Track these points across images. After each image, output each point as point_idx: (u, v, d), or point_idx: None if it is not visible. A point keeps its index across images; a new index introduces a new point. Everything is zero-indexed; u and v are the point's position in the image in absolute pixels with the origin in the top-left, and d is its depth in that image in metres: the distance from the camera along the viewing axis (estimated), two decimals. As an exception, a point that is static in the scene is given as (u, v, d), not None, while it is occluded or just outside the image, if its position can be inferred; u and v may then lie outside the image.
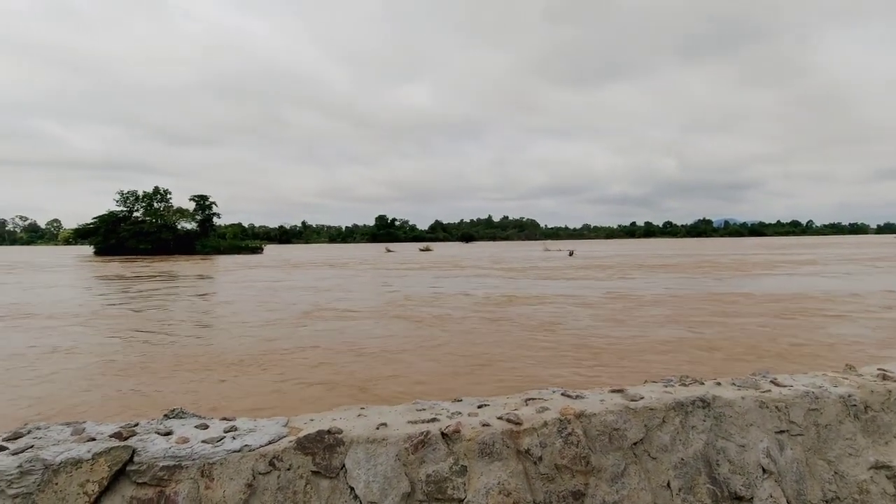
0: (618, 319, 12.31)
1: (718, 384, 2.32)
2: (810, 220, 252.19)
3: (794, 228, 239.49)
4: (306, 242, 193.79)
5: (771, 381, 2.36)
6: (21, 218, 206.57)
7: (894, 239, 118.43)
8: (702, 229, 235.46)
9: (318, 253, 77.45)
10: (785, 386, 2.30)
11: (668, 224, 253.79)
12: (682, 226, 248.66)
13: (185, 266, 41.09)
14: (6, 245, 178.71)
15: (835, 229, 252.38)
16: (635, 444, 1.99)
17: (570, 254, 53.85)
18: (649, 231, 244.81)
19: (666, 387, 2.27)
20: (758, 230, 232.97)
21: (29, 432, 1.72)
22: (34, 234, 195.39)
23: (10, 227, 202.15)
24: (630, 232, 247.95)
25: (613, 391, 2.20)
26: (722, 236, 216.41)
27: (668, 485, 1.98)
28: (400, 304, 16.10)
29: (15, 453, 1.57)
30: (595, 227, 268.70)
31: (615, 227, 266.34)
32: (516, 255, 59.29)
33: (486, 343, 9.77)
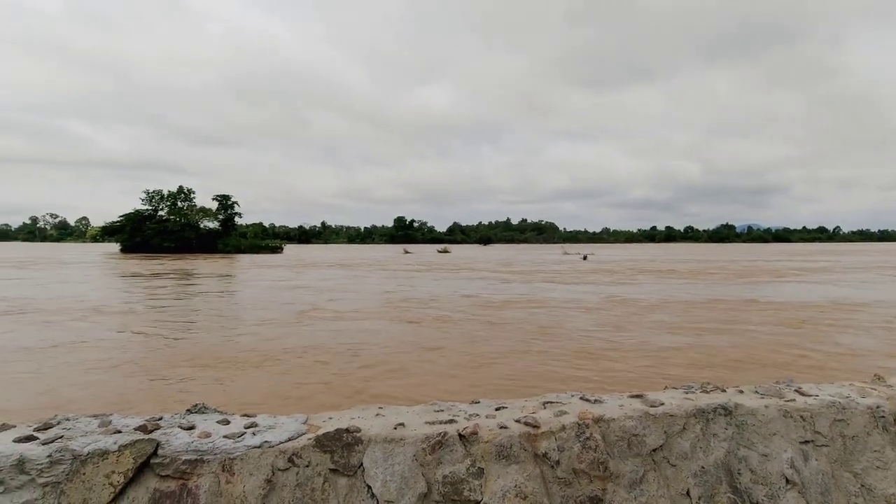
0: (610, 323, 12.19)
1: (741, 392, 2.27)
2: (837, 227, 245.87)
3: (821, 235, 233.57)
4: (325, 243, 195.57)
5: (795, 391, 2.30)
6: (52, 216, 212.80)
7: None
8: (724, 234, 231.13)
9: (336, 254, 78.11)
10: (810, 395, 2.25)
11: (690, 229, 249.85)
12: (704, 231, 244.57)
13: (202, 265, 41.78)
14: (37, 241, 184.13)
15: (863, 236, 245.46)
16: (654, 450, 1.96)
17: (584, 258, 53.33)
18: (670, 236, 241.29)
19: (687, 393, 2.24)
20: (782, 236, 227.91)
21: (58, 423, 1.77)
22: (64, 232, 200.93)
23: (41, 224, 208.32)
24: (650, 236, 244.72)
25: (633, 396, 2.18)
26: (745, 242, 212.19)
27: (688, 493, 1.95)
28: (398, 304, 16.19)
29: (45, 443, 1.62)
30: (615, 231, 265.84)
31: (635, 231, 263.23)
32: (531, 258, 58.99)
33: (480, 345, 9.76)
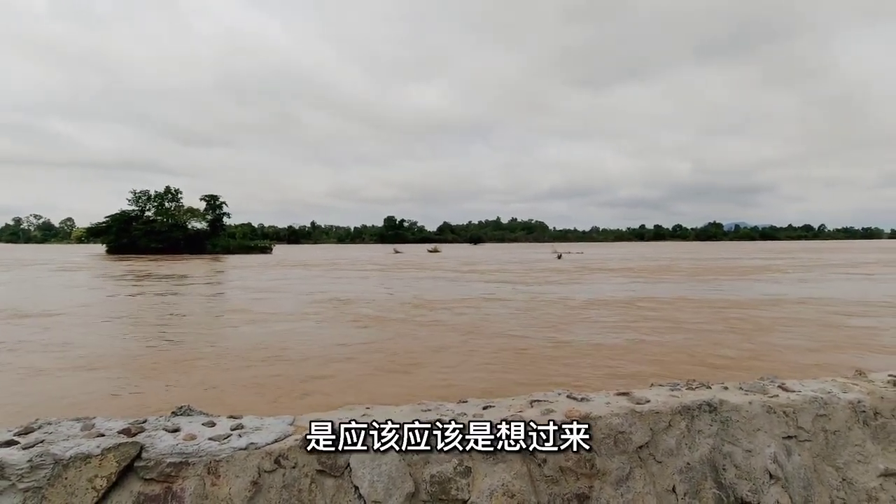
0: (541, 323, 12.29)
1: (725, 388, 2.30)
2: (822, 225, 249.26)
3: (807, 233, 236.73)
4: (315, 243, 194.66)
5: (779, 387, 2.34)
6: (35, 216, 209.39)
7: None
8: (712, 233, 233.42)
9: (323, 253, 77.78)
10: (793, 391, 2.28)
11: (678, 227, 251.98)
12: (692, 229, 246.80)
13: (186, 266, 41.38)
14: (21, 243, 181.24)
15: (847, 234, 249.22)
16: (640, 447, 1.98)
17: (559, 257, 53.41)
18: (659, 234, 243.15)
19: (672, 390, 2.26)
20: (769, 234, 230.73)
21: (39, 427, 1.75)
22: (48, 233, 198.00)
23: (24, 225, 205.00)
24: (639, 235, 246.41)
25: (619, 394, 2.20)
26: (732, 240, 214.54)
27: (674, 489, 1.97)
28: (325, 304, 16.23)
29: (26, 448, 1.60)
30: (604, 230, 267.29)
31: (625, 230, 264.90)
32: (511, 257, 59.21)
33: (408, 344, 9.78)
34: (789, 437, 2.14)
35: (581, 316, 13.42)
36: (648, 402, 2.09)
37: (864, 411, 2.24)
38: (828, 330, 11.12)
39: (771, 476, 2.04)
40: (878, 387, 2.38)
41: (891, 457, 2.21)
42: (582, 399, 2.13)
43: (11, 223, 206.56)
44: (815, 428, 2.17)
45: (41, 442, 1.63)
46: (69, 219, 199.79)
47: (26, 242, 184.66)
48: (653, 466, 1.98)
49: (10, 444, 1.62)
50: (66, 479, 1.56)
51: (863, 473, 2.16)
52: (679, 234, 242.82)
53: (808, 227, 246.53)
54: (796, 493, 2.05)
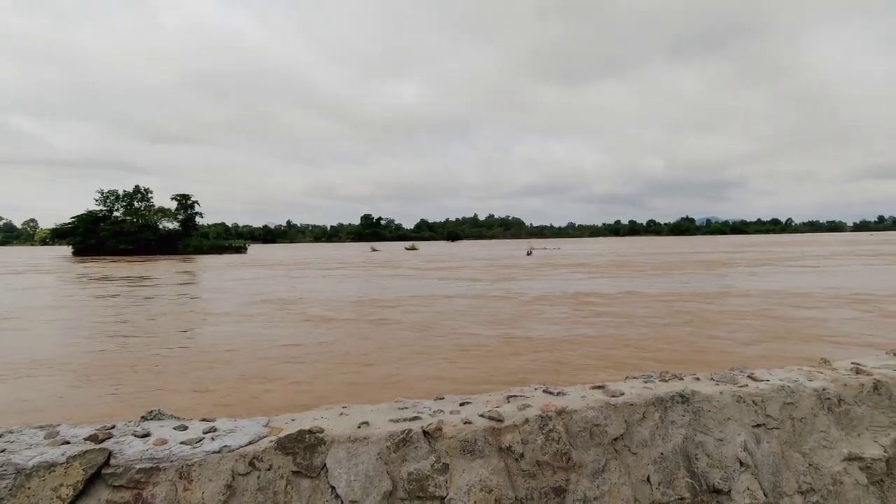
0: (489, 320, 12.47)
1: (697, 379, 2.35)
2: (790, 219, 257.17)
3: (774, 227, 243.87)
4: (291, 242, 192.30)
5: (748, 376, 2.40)
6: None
7: (864, 237, 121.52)
8: (684, 227, 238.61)
9: (297, 252, 76.89)
10: (762, 380, 2.34)
11: (652, 222, 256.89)
12: (666, 224, 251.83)
13: (153, 267, 40.43)
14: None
15: (813, 227, 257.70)
16: (616, 439, 2.01)
17: (529, 253, 53.56)
18: (633, 229, 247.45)
19: (646, 382, 2.30)
20: (739, 228, 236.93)
21: (0, 436, 1.68)
22: (10, 234, 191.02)
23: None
24: (615, 230, 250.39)
25: (594, 387, 2.23)
26: (704, 234, 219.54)
27: (648, 479, 2.00)
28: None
29: (-14, 458, 1.53)
30: (580, 226, 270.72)
31: (600, 225, 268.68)
32: (482, 253, 59.56)
33: (358, 344, 9.84)
34: (758, 426, 2.20)
35: (529, 311, 13.52)
36: (623, 394, 2.12)
37: (828, 398, 2.32)
38: (772, 321, 11.45)
39: (741, 464, 2.09)
40: (841, 374, 2.46)
41: (854, 441, 2.29)
42: (558, 393, 2.15)
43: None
44: (782, 416, 2.24)
45: (2, 451, 1.57)
46: (32, 220, 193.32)
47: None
48: (628, 458, 2.01)
49: (-32, 454, 1.55)
50: (28, 489, 1.51)
51: (828, 458, 2.23)
52: (653, 228, 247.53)
53: (776, 221, 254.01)
54: (765, 479, 2.11)
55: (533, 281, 22.96)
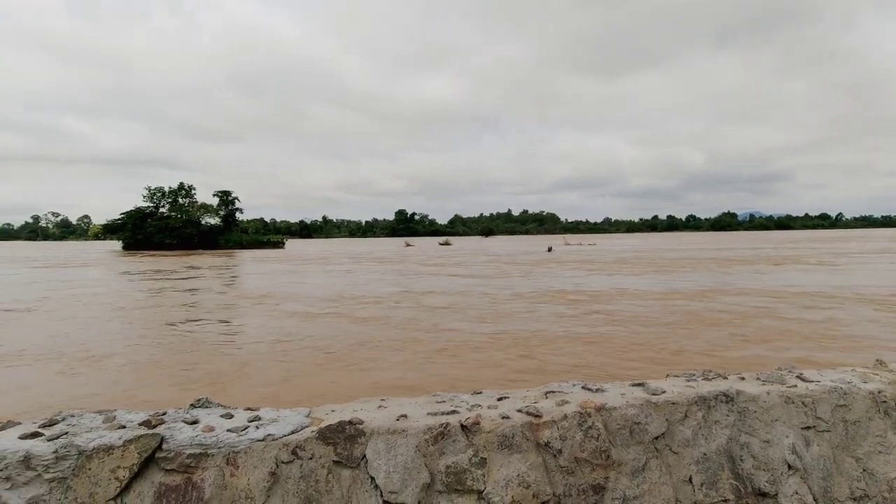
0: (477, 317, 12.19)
1: (742, 379, 2.28)
2: (840, 213, 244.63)
3: (823, 222, 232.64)
4: (327, 237, 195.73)
5: (797, 377, 2.31)
6: (53, 214, 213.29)
7: None
8: (726, 223, 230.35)
9: (331, 247, 77.96)
10: (811, 381, 2.25)
11: (692, 217, 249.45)
12: (706, 219, 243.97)
13: (199, 261, 41.83)
14: (39, 240, 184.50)
15: (866, 222, 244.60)
16: (656, 438, 1.97)
17: (549, 249, 52.94)
18: (672, 225, 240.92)
19: (688, 381, 2.24)
20: (784, 223, 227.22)
21: (63, 419, 1.78)
22: (66, 230, 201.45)
23: (43, 223, 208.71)
24: (652, 226, 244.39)
25: (634, 385, 2.19)
26: (747, 230, 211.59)
27: (690, 479, 1.96)
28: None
29: (50, 439, 1.63)
30: (616, 221, 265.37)
31: (637, 220, 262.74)
32: (505, 249, 58.82)
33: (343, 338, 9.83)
34: (808, 428, 2.11)
35: (507, 309, 13.29)
36: (664, 392, 2.07)
37: (884, 401, 2.21)
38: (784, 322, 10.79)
39: (790, 467, 2.02)
40: (899, 376, 2.34)
41: (912, 447, 2.18)
42: (597, 390, 2.13)
43: (30, 221, 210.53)
44: (834, 418, 2.15)
45: (65, 434, 1.67)
46: (86, 216, 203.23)
47: (44, 240, 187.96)
48: (669, 457, 1.97)
49: (35, 435, 1.65)
50: (89, 469, 1.60)
51: (884, 464, 2.13)
52: (692, 224, 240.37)
53: (824, 216, 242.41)
54: (815, 483, 2.03)
55: (526, 279, 22.46)
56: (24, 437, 1.64)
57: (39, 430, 1.70)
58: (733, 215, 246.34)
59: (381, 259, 40.25)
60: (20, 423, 1.77)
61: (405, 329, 10.61)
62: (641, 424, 1.96)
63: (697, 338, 9.33)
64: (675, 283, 18.94)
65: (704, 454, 1.99)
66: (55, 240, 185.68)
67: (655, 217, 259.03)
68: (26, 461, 1.56)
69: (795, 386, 2.20)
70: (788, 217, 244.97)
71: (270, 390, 6.66)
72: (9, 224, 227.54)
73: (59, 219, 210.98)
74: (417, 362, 7.95)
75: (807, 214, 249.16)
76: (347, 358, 8.27)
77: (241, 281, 24.31)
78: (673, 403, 2.02)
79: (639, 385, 2.18)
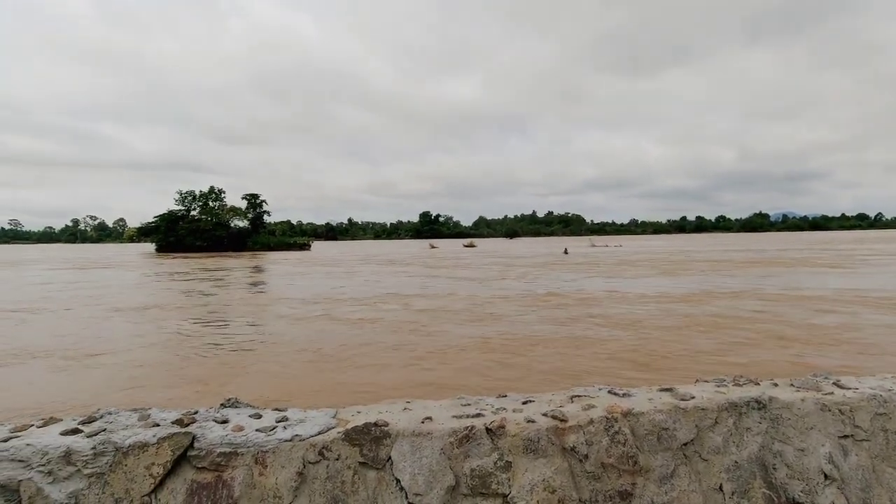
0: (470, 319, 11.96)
1: (775, 385, 2.22)
2: (879, 213, 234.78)
3: (861, 222, 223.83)
4: (352, 239, 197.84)
5: (833, 383, 2.23)
6: (91, 217, 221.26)
7: None
8: (757, 224, 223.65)
9: (356, 249, 78.62)
10: (849, 388, 2.18)
11: (722, 218, 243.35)
12: (737, 220, 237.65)
13: (231, 263, 42.75)
14: (78, 243, 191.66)
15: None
16: (685, 444, 1.93)
17: (565, 251, 52.40)
18: (701, 226, 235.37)
19: (718, 386, 2.19)
20: (819, 224, 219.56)
21: (101, 417, 1.85)
22: (103, 233, 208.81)
23: (81, 226, 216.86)
24: (680, 227, 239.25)
25: (662, 390, 2.15)
26: (780, 231, 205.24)
27: (721, 488, 1.91)
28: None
29: (89, 436, 1.69)
30: (643, 222, 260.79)
31: (664, 221, 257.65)
32: (525, 251, 58.18)
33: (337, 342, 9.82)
34: (846, 437, 2.04)
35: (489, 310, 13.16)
36: (693, 398, 2.03)
37: (928, 410, 2.12)
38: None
39: (826, 476, 1.96)
40: (944, 384, 2.24)
41: (959, 459, 2.08)
42: (624, 394, 2.10)
43: (70, 224, 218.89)
44: (873, 427, 2.07)
45: (103, 431, 1.73)
46: (121, 219, 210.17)
47: (83, 242, 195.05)
48: (698, 464, 1.93)
49: (75, 432, 1.72)
50: (125, 465, 1.65)
51: (927, 476, 2.04)
52: (722, 225, 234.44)
53: (862, 216, 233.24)
54: (853, 494, 1.96)
55: (507, 281, 22.15)
56: (64, 433, 1.71)
57: (79, 426, 1.76)
58: (765, 216, 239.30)
59: (408, 262, 40.37)
60: (61, 420, 1.84)
61: (423, 335, 10.58)
62: (669, 430, 1.93)
63: (752, 350, 9.01)
64: (709, 284, 18.51)
65: (736, 462, 1.94)
66: (93, 242, 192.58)
67: (684, 218, 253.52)
68: (67, 456, 1.62)
69: (832, 393, 2.12)
70: (824, 217, 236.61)
71: (295, 389, 6.76)
72: (50, 227, 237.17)
73: (96, 222, 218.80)
74: (439, 364, 7.96)
75: (843, 214, 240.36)
76: (367, 358, 8.36)
77: (270, 284, 24.71)
78: (702, 409, 1.98)
79: (667, 390, 2.14)
